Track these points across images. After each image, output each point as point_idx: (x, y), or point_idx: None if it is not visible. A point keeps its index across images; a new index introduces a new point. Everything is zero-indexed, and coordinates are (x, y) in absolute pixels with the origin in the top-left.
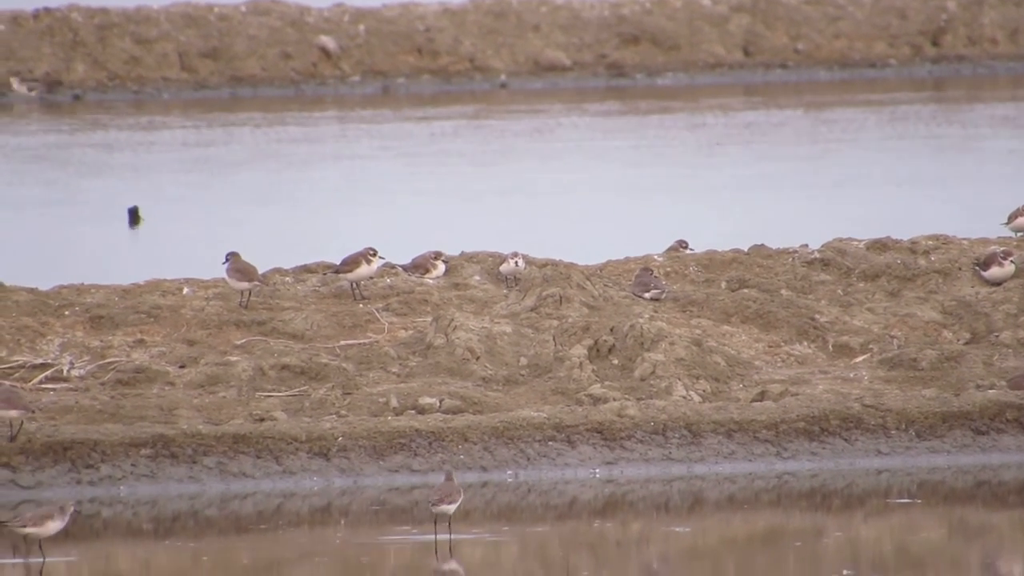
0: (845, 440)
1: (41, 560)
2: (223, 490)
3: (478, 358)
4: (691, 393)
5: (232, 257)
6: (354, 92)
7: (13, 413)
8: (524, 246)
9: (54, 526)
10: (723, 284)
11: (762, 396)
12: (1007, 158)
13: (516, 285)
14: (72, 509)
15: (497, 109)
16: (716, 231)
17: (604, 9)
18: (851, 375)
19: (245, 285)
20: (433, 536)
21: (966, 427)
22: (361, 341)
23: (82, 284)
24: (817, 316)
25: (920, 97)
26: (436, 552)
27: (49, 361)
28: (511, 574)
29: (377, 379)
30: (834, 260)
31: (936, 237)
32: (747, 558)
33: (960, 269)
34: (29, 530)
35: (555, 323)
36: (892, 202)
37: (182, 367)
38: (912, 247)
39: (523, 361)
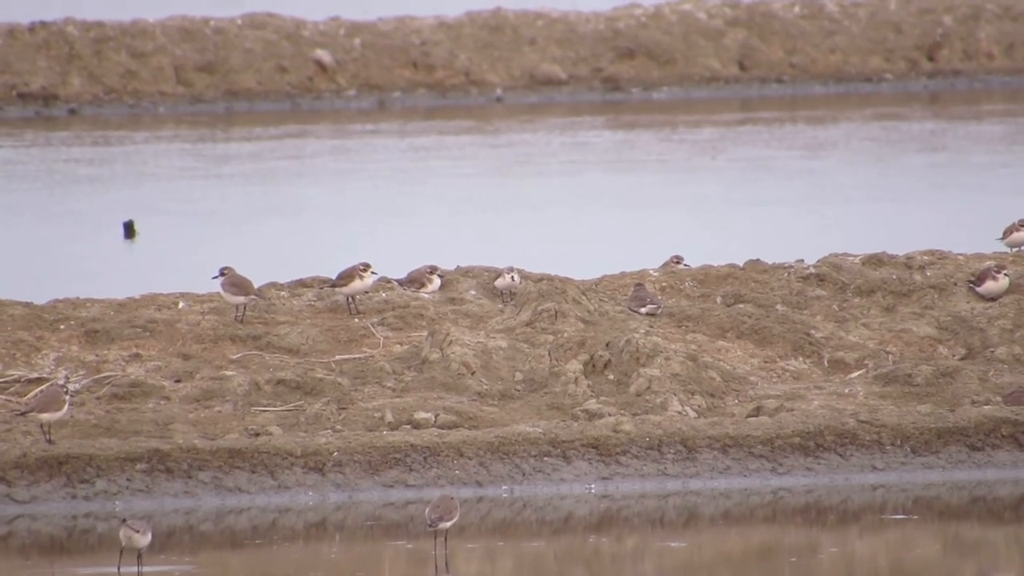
0: (840, 456)
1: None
2: (218, 505)
3: (473, 373)
4: (686, 408)
5: (226, 271)
6: (350, 106)
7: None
8: (520, 261)
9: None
10: (718, 299)
11: (757, 411)
12: (1003, 173)
13: (512, 300)
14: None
15: (493, 123)
16: (711, 246)
17: (600, 23)
18: (846, 391)
19: (241, 299)
20: (427, 550)
21: (961, 443)
22: (356, 356)
23: (77, 298)
24: (812, 331)
25: (916, 112)
26: (436, 567)
27: (44, 375)
28: None
29: (372, 394)
30: (829, 275)
31: (931, 252)
32: (742, 574)
33: (955, 284)
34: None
35: (550, 338)
36: (887, 217)
37: (177, 381)
38: (907, 262)
39: (518, 376)
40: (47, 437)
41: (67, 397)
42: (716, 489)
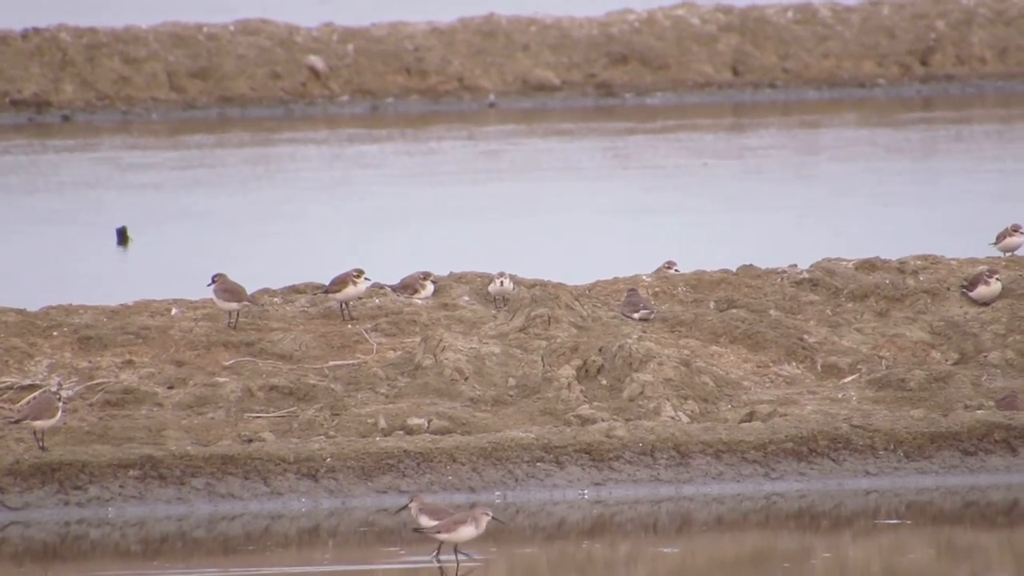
0: (833, 461)
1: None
2: (211, 511)
3: (466, 379)
4: (679, 414)
5: (218, 278)
6: (343, 112)
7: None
8: (513, 266)
9: (467, 532)
10: (711, 304)
11: (750, 417)
12: (995, 177)
13: (505, 305)
14: (487, 517)
15: (486, 128)
16: (705, 251)
17: (593, 28)
18: (839, 395)
19: (234, 306)
20: (420, 555)
21: (954, 448)
22: (349, 362)
23: (70, 305)
24: (806, 336)
25: (909, 117)
26: (442, 573)
27: (37, 382)
28: None
29: (365, 400)
30: (823, 280)
31: (925, 257)
32: None
33: (948, 289)
34: (443, 536)
35: (544, 343)
36: (881, 222)
37: (170, 388)
38: (900, 267)
39: (511, 382)
40: (40, 444)
41: (60, 404)
42: (709, 494)
